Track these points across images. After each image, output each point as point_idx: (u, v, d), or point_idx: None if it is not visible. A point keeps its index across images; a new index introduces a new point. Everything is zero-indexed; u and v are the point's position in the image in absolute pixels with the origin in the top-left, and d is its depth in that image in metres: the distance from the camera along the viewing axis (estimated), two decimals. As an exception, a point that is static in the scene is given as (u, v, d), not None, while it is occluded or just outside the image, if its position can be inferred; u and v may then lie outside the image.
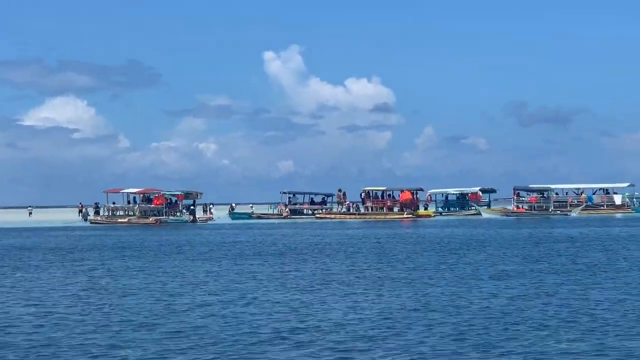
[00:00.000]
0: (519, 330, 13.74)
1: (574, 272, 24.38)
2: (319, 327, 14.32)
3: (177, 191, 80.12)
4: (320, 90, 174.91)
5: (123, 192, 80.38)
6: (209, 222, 79.95)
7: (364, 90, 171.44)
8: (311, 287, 21.34)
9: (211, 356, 11.79)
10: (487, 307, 16.81)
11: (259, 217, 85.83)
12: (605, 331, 13.47)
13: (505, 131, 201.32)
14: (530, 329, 13.85)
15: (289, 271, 26.04)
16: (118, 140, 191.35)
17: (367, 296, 19.07)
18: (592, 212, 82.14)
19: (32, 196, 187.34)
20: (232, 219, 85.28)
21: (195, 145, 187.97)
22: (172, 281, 23.35)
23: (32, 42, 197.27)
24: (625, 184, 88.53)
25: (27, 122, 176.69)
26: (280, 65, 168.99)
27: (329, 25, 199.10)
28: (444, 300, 18.02)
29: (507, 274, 24.19)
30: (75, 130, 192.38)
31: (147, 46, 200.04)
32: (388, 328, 14.17)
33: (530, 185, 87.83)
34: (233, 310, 16.72)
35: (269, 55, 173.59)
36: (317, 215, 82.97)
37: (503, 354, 11.72)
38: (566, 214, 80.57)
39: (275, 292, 20.39)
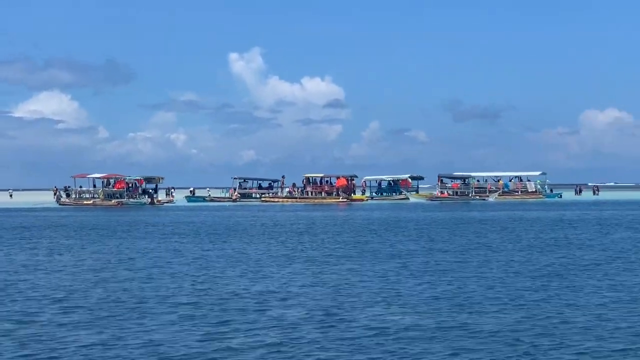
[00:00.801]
0: (371, 307, 13.32)
1: (466, 252, 23.99)
2: (208, 301, 13.96)
3: (138, 176, 79.33)
4: (279, 87, 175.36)
5: (89, 177, 79.62)
6: (168, 204, 79.18)
7: (317, 88, 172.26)
8: (223, 264, 20.83)
9: (98, 328, 11.45)
10: (363, 285, 16.33)
11: (212, 200, 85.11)
12: (460, 309, 13.05)
13: (442, 125, 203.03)
14: (386, 304, 13.49)
15: (211, 249, 25.46)
16: (98, 131, 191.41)
17: (264, 273, 18.61)
18: (507, 197, 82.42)
19: (20, 181, 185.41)
20: (188, 201, 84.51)
21: (167, 136, 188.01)
22: (102, 258, 22.75)
23: (20, 42, 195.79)
24: (538, 173, 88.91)
25: (16, 114, 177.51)
26: (243, 65, 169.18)
27: (287, 29, 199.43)
28: (330, 278, 17.64)
29: (405, 253, 23.71)
30: (60, 121, 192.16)
31: (124, 47, 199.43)
32: (263, 302, 13.91)
33: (454, 173, 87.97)
34: (141, 285, 16.29)
35: (233, 56, 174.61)
36: (263, 199, 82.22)
37: (343, 327, 11.42)
38: (484, 199, 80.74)
39: (189, 267, 19.91)
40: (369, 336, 10.77)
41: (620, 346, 10.16)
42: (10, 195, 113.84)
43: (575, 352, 9.85)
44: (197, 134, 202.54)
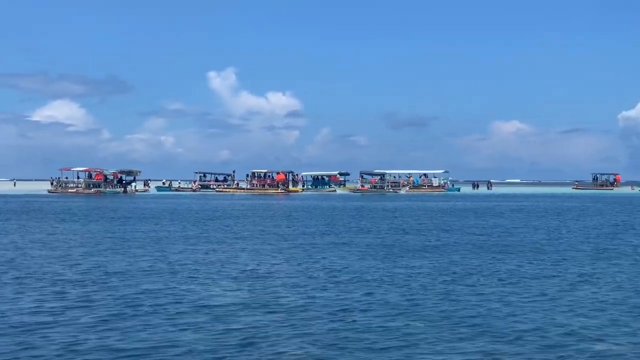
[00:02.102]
0: (214, 284, 12.46)
1: (346, 233, 23.12)
2: (87, 277, 12.92)
3: (114, 170, 77.67)
4: (248, 100, 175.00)
5: (73, 170, 77.58)
6: (143, 192, 77.44)
7: (279, 101, 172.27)
8: (135, 243, 19.56)
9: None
10: (228, 264, 15.36)
11: (177, 190, 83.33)
12: (290, 288, 12.19)
13: (381, 132, 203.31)
14: (233, 280, 12.70)
15: (138, 231, 24.00)
16: (102, 133, 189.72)
17: (160, 253, 17.43)
18: (416, 190, 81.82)
19: (37, 173, 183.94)
20: (158, 191, 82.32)
21: (158, 137, 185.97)
22: (40, 239, 21.18)
23: (39, 58, 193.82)
24: (441, 171, 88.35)
25: (34, 118, 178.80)
26: (220, 81, 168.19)
27: (256, 53, 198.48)
28: (211, 256, 16.63)
29: (299, 234, 22.91)
30: (70, 125, 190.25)
31: (123, 64, 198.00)
32: (127, 278, 12.90)
33: (375, 170, 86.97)
34: (42, 262, 15.15)
35: (212, 74, 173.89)
36: (217, 190, 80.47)
37: (171, 303, 10.62)
38: (396, 192, 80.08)
39: (105, 246, 18.63)
40: (183, 312, 9.94)
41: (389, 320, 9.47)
42: (14, 184, 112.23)
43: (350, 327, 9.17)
44: (183, 136, 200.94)
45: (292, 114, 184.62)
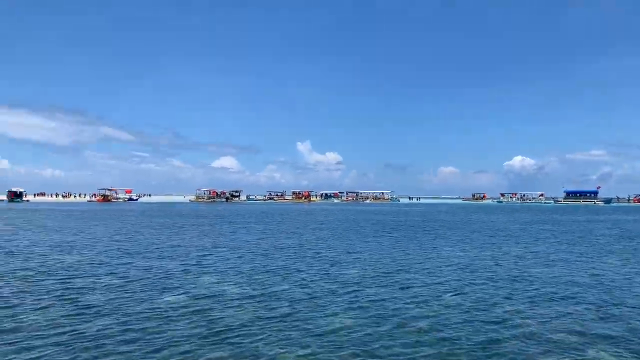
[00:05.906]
0: None
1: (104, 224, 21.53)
2: None
3: (224, 190, 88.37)
4: (317, 156, 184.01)
5: (203, 190, 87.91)
6: (244, 201, 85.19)
7: (332, 156, 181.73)
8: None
9: None
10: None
11: (255, 200, 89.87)
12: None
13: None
14: None
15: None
16: (245, 172, 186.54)
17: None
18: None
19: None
20: (247, 199, 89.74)
21: (272, 174, 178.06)
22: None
23: (217, 132, 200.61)
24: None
25: (214, 165, 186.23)
26: (303, 146, 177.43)
27: (320, 133, 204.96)
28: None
29: (65, 229, 20.73)
30: (230, 168, 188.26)
31: (257, 137, 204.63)
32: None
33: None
34: None
35: (299, 143, 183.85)
36: (275, 199, 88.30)
37: None
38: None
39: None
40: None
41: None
42: (184, 197, 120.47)
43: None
44: (285, 173, 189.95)
45: (338, 162, 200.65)
